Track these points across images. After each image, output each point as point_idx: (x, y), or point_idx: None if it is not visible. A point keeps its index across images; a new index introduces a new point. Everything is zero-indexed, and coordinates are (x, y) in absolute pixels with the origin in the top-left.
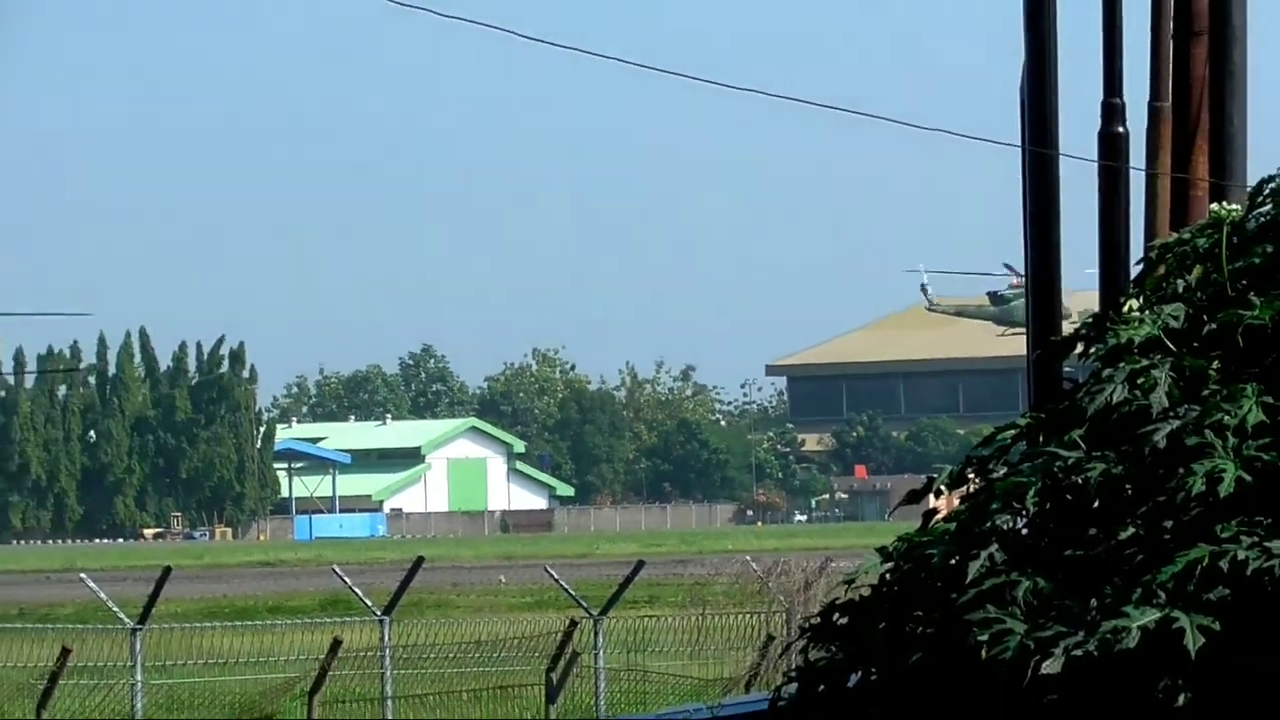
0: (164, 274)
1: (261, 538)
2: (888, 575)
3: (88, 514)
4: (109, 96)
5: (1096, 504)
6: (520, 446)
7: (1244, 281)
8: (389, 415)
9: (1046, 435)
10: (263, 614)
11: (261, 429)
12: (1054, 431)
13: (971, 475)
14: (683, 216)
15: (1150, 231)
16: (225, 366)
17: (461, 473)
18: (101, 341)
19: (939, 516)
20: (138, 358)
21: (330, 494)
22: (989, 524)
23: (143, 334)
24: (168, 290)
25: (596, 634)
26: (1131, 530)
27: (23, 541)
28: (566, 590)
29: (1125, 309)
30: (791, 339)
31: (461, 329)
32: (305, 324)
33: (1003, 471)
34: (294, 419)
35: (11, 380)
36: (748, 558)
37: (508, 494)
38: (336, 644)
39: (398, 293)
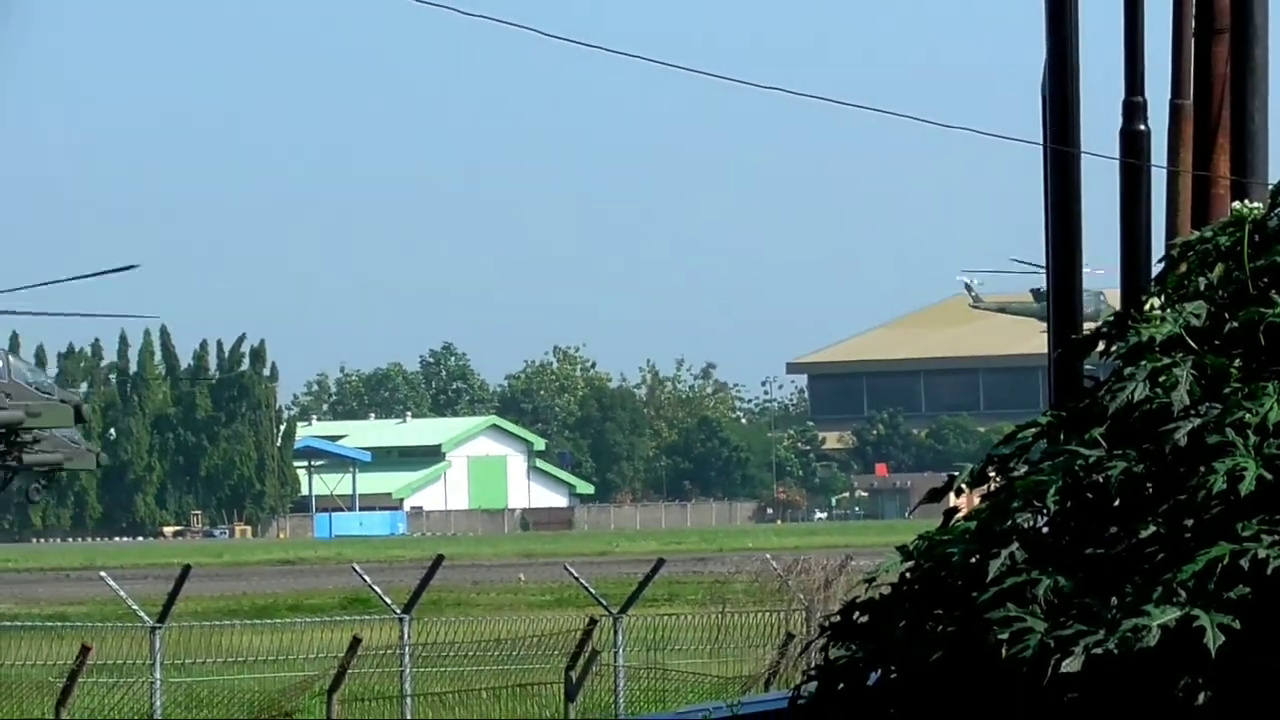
0: (186, 272)
1: (281, 536)
2: (908, 574)
3: (108, 512)
4: (138, 96)
5: (1117, 502)
6: (540, 444)
7: (1265, 279)
8: (409, 413)
9: (1067, 433)
10: (282, 612)
11: (282, 427)
12: (1075, 430)
13: (992, 473)
14: (704, 215)
15: (1171, 229)
16: (246, 364)
17: (482, 471)
18: (123, 340)
19: (960, 515)
20: (158, 356)
21: (350, 492)
22: (1010, 522)
23: (164, 332)
24: (189, 288)
25: (616, 632)
26: (1152, 529)
27: (43, 539)
28: (586, 588)
29: (1147, 307)
30: (812, 337)
31: (482, 327)
32: (326, 322)
33: (1023, 470)
34: (314, 417)
35: None
36: (768, 556)
37: (528, 492)
38: (356, 642)
39: (418, 291)
